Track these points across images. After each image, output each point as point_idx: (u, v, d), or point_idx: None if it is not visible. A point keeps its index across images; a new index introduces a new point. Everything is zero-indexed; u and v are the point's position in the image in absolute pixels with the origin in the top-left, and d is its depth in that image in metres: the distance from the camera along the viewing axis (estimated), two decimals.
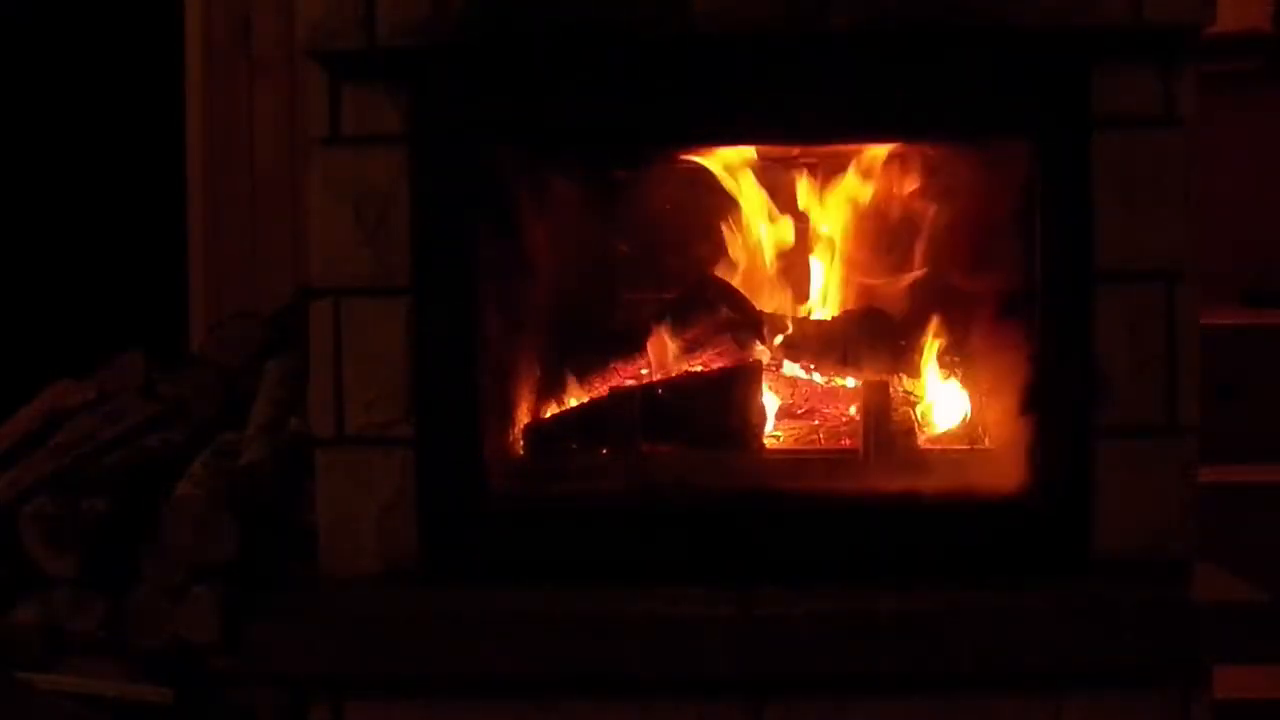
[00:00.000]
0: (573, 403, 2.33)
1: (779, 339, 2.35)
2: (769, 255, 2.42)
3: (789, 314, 2.40)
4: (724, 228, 2.43)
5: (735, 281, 2.40)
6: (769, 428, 2.26)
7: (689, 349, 2.38)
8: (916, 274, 2.35)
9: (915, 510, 2.07)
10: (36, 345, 3.44)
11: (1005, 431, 2.13)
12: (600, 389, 2.35)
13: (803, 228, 2.42)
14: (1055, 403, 2.05)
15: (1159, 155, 2.03)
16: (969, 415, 2.27)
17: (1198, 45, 2.02)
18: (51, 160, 3.56)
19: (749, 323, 2.35)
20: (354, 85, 2.06)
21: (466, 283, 2.07)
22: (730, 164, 2.37)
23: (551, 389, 2.33)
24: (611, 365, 2.38)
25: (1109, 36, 1.99)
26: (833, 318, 2.38)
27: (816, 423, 2.33)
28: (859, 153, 2.32)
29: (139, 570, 2.28)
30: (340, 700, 1.96)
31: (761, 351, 2.33)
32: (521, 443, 2.23)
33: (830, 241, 2.40)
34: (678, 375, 2.34)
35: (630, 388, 2.32)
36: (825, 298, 2.42)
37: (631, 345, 2.40)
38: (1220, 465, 2.65)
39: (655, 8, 1.98)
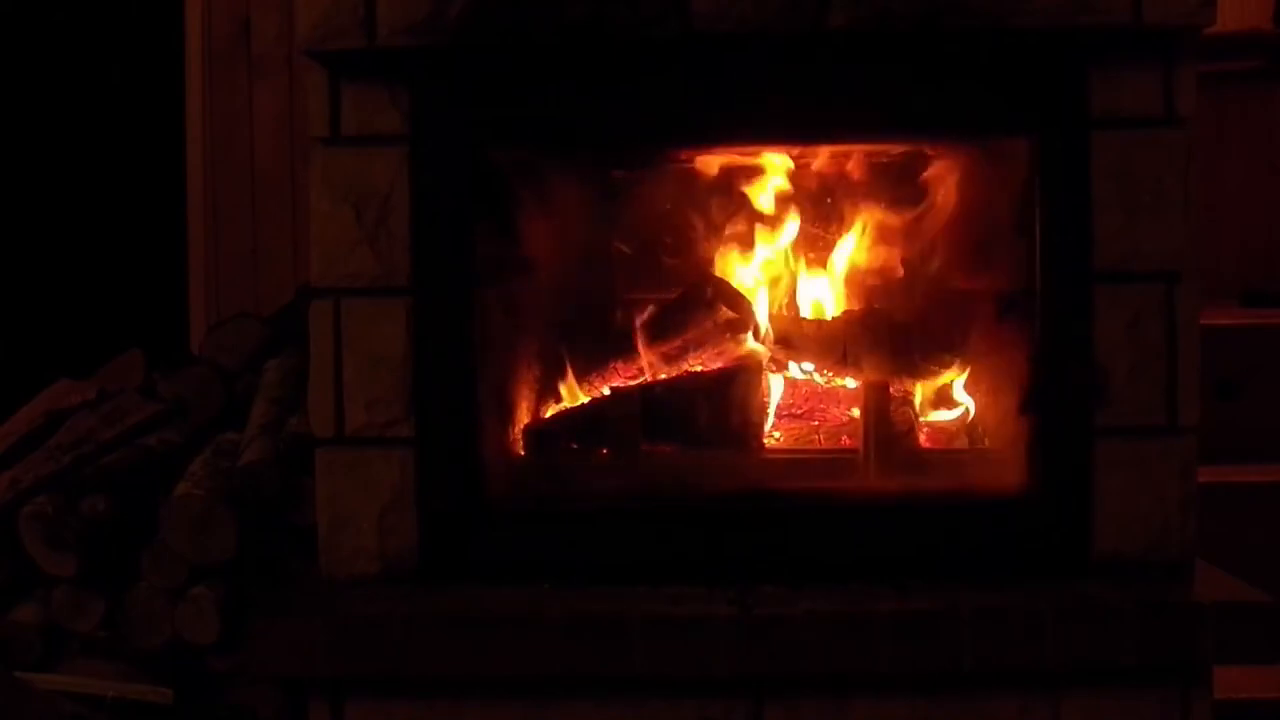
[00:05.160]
0: (572, 402, 2.33)
1: (779, 339, 2.35)
2: (768, 255, 2.42)
3: (789, 314, 2.40)
4: (724, 228, 2.43)
5: (735, 281, 2.40)
6: (769, 428, 2.26)
7: (689, 349, 2.38)
8: (916, 275, 2.35)
9: (915, 510, 2.07)
10: (36, 345, 3.45)
11: (1005, 431, 2.13)
12: (600, 389, 2.35)
13: (802, 227, 2.41)
14: (1055, 403, 2.05)
15: (1159, 155, 2.03)
16: (969, 415, 2.27)
17: (1198, 45, 2.02)
18: (52, 160, 3.57)
19: (749, 323, 2.35)
20: (354, 85, 2.06)
21: (466, 283, 2.07)
22: (729, 163, 2.37)
23: (551, 389, 2.33)
24: (611, 365, 2.38)
25: (1109, 36, 1.99)
26: (833, 318, 2.38)
27: (816, 423, 2.33)
28: (858, 152, 2.32)
29: (139, 570, 2.28)
30: (340, 700, 1.96)
31: (761, 351, 2.33)
32: (521, 443, 2.23)
33: (830, 241, 2.40)
34: (678, 375, 2.34)
35: (630, 388, 2.32)
36: (825, 298, 2.42)
37: (631, 345, 2.39)
38: (1220, 465, 2.66)
39: (654, 8, 1.98)
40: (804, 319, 2.37)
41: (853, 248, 2.39)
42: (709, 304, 2.36)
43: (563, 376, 2.34)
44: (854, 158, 2.34)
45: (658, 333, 2.39)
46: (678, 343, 2.39)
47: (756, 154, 2.34)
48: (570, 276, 2.37)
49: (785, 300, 2.42)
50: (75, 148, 3.55)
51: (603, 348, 2.40)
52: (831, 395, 2.35)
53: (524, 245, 2.24)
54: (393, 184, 2.07)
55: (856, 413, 2.26)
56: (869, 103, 2.07)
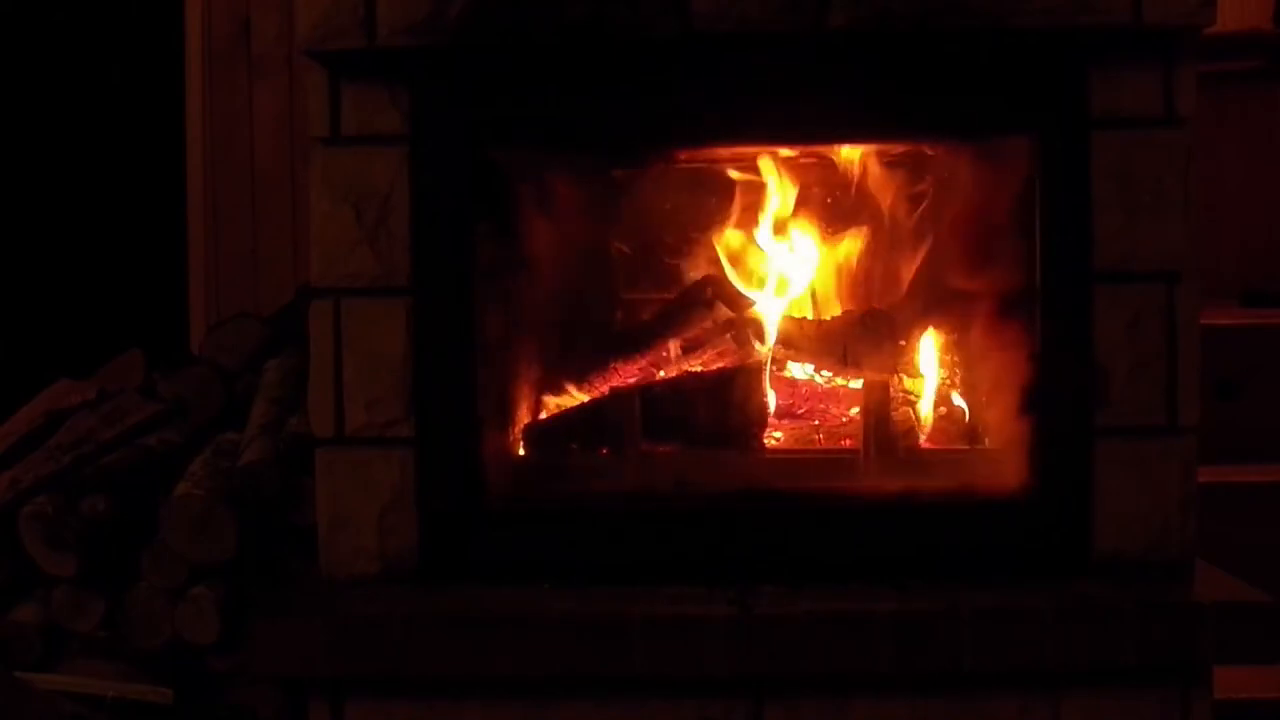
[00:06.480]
0: (573, 402, 2.33)
1: (778, 339, 2.35)
2: (768, 255, 2.42)
3: (789, 314, 2.39)
4: (723, 228, 2.43)
5: (736, 281, 2.40)
6: (768, 428, 2.26)
7: (689, 349, 2.38)
8: (916, 274, 2.35)
9: (915, 510, 2.07)
10: (36, 345, 3.45)
11: (1005, 431, 2.13)
12: (600, 389, 2.35)
13: (802, 228, 2.41)
14: (1055, 403, 2.05)
15: (1159, 155, 2.03)
16: (969, 415, 2.27)
17: (1198, 45, 2.02)
18: (52, 160, 3.57)
19: (749, 322, 2.35)
20: (354, 85, 2.06)
21: (466, 283, 2.08)
22: (730, 163, 2.37)
23: (551, 389, 2.33)
24: (611, 365, 2.38)
25: (1109, 36, 1.99)
26: (833, 318, 2.38)
27: (816, 423, 2.33)
28: (858, 152, 2.32)
29: (139, 570, 2.28)
30: (340, 700, 1.96)
31: (761, 351, 2.33)
32: (521, 443, 2.23)
33: (830, 242, 2.40)
34: (678, 375, 2.34)
35: (630, 388, 2.32)
36: (825, 297, 2.42)
37: (631, 345, 2.39)
38: (1220, 465, 2.66)
39: (654, 7, 1.97)
40: (804, 319, 2.38)
41: (853, 247, 2.40)
42: (709, 304, 2.36)
43: (562, 376, 2.34)
44: (854, 157, 2.34)
45: (657, 332, 2.39)
46: (677, 343, 2.39)
47: (756, 154, 2.34)
48: (570, 276, 2.37)
49: (786, 299, 2.42)
50: (75, 148, 3.55)
51: (602, 347, 2.40)
52: (831, 395, 2.35)
53: (524, 245, 2.24)
54: (393, 184, 2.07)
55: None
56: (869, 102, 2.07)
